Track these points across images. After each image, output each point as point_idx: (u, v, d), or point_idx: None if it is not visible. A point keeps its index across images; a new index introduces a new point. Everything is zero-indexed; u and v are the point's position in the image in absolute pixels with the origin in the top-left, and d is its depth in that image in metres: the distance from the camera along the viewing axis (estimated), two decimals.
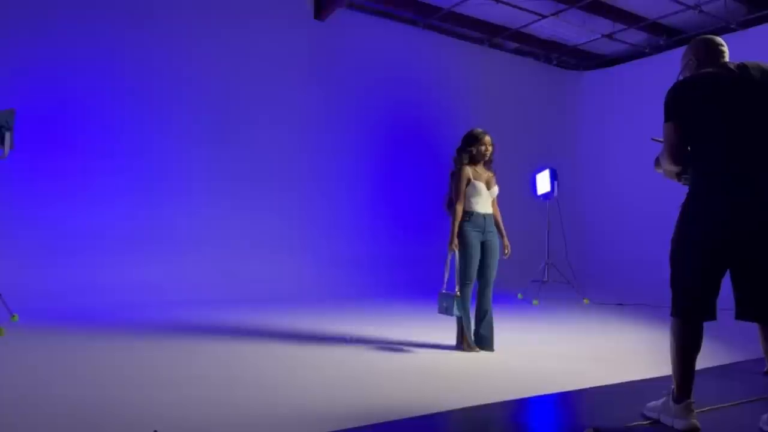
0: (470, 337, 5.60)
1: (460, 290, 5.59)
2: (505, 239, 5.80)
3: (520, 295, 9.84)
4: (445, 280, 5.74)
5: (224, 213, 9.77)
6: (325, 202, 10.74)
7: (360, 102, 11.22)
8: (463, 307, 5.59)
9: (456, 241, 5.60)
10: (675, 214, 3.43)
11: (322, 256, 10.45)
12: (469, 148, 5.73)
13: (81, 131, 8.83)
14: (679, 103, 3.39)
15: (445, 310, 5.62)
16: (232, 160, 9.91)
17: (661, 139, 3.52)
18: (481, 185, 5.67)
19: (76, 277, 8.37)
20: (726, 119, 3.30)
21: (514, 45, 13.00)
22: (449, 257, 5.68)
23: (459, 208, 5.62)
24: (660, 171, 3.61)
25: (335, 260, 10.50)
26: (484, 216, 5.65)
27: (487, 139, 5.76)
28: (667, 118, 3.41)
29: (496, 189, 5.80)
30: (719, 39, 3.58)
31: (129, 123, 9.18)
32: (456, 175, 5.72)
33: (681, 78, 3.59)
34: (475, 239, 5.58)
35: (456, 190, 5.67)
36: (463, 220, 5.60)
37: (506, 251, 5.77)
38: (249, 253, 9.79)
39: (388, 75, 11.56)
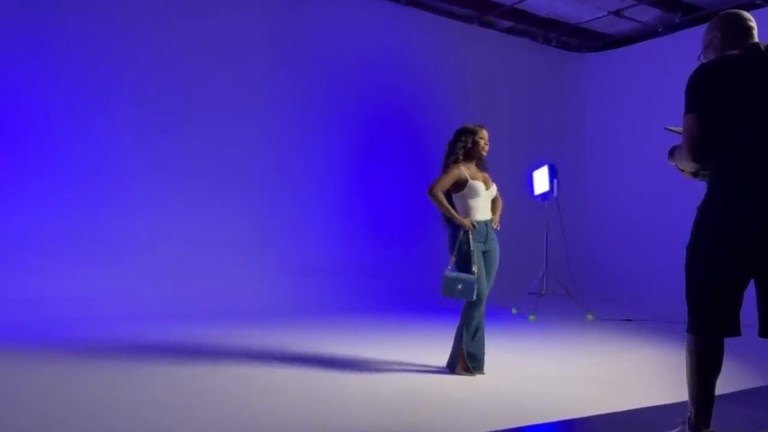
0: (468, 361, 5.59)
1: (466, 312, 5.57)
2: (497, 217, 5.82)
3: (514, 310, 9.86)
4: (453, 261, 5.66)
5: (177, 215, 9.72)
6: (295, 203, 10.71)
7: (334, 89, 11.19)
8: (473, 331, 5.58)
9: (460, 218, 5.59)
10: (692, 217, 3.44)
11: (291, 264, 10.42)
12: (463, 141, 5.72)
13: (2, 124, 8.76)
14: (704, 91, 3.36)
15: (460, 293, 5.42)
16: (187, 154, 9.85)
17: (678, 129, 3.52)
18: (480, 185, 5.67)
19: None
20: (755, 109, 3.29)
21: (507, 23, 13.02)
22: (458, 238, 5.61)
23: (438, 192, 5.63)
24: (674, 164, 3.61)
25: (306, 269, 10.47)
26: (486, 223, 5.68)
27: (485, 133, 5.78)
28: (688, 108, 3.39)
29: (494, 188, 5.81)
30: (747, 14, 3.55)
31: (64, 114, 9.09)
32: (446, 169, 5.69)
33: (703, 61, 3.58)
34: (479, 253, 5.58)
35: (437, 181, 5.66)
36: (464, 232, 5.58)
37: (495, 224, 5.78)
38: (205, 260, 9.74)
39: (366, 59, 11.54)
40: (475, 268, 5.48)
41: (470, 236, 5.55)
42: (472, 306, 5.55)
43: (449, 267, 5.61)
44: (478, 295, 5.48)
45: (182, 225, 9.72)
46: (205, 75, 10.09)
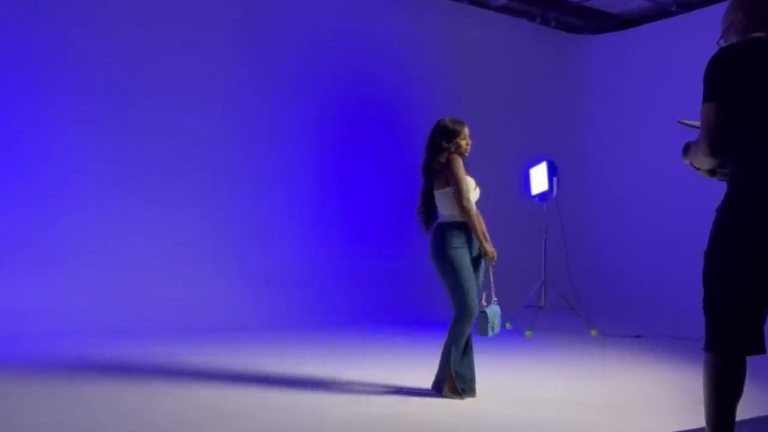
0: (457, 382, 5.57)
1: (456, 328, 5.55)
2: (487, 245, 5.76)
3: (508, 325, 9.85)
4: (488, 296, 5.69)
5: (127, 218, 9.67)
6: (262, 203, 10.69)
7: (306, 76, 11.16)
8: (456, 347, 5.56)
9: (487, 247, 5.57)
10: (710, 220, 3.43)
11: (258, 272, 10.40)
12: (446, 146, 5.64)
13: None
14: (724, 78, 3.35)
15: (494, 327, 5.62)
16: (139, 149, 9.79)
17: (694, 123, 3.51)
18: (472, 182, 5.67)
19: None
20: None
21: (501, 2, 13.06)
22: (490, 271, 5.65)
23: (471, 201, 5.56)
24: (689, 162, 3.60)
25: (275, 278, 10.45)
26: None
27: (467, 131, 5.75)
28: (707, 97, 3.37)
29: (478, 192, 5.79)
30: None
31: None
32: (452, 164, 5.60)
33: (724, 44, 3.58)
34: (466, 258, 5.55)
35: (457, 180, 5.54)
36: (450, 236, 5.54)
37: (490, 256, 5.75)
38: (160, 269, 9.69)
39: (342, 42, 11.51)
40: (466, 278, 5.48)
41: (458, 242, 5.54)
42: (461, 320, 5.52)
43: (485, 303, 5.60)
44: (468, 309, 5.47)
45: (133, 228, 9.66)
46: (161, 60, 10.04)
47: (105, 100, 9.63)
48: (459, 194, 5.52)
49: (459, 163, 5.58)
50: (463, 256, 5.52)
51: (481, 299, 5.62)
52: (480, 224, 5.66)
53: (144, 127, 9.85)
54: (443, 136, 5.68)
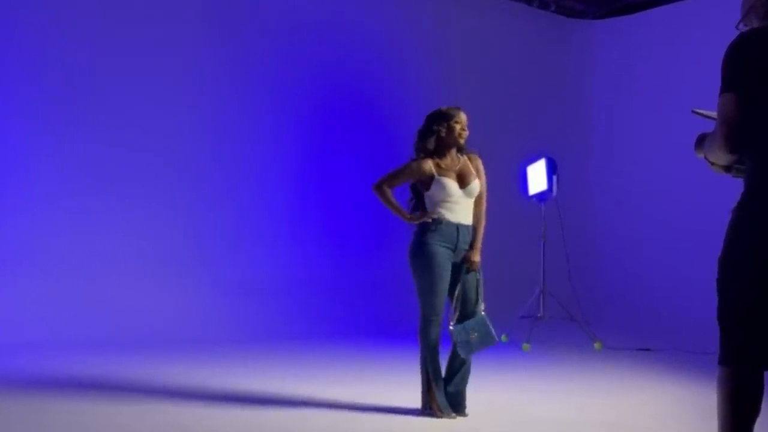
0: (441, 397, 5.56)
1: (420, 333, 5.57)
2: (476, 251, 5.72)
3: (504, 337, 9.84)
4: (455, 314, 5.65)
5: (87, 221, 9.66)
6: (235, 205, 10.71)
7: (284, 66, 11.19)
8: (431, 357, 5.55)
9: (404, 213, 5.71)
10: (725, 222, 3.41)
11: (230, 281, 10.42)
12: (436, 128, 5.68)
13: None
14: (744, 67, 3.32)
15: (480, 342, 5.49)
16: (100, 146, 9.80)
17: (711, 114, 3.49)
18: (451, 183, 5.61)
19: None
20: None
21: None
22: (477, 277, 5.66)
23: (386, 188, 5.79)
24: (702, 156, 3.58)
25: (248, 287, 10.47)
26: (458, 227, 5.61)
27: (463, 116, 5.74)
28: (725, 87, 3.34)
29: (477, 184, 5.73)
30: None
31: None
32: (403, 165, 5.75)
33: (743, 29, 3.56)
34: (442, 256, 5.54)
35: (389, 174, 5.81)
36: (427, 230, 5.57)
37: (469, 263, 5.69)
38: (123, 276, 9.71)
39: (324, 28, 11.53)
40: (434, 278, 5.48)
41: (431, 238, 5.53)
42: (427, 323, 5.57)
43: (452, 322, 5.57)
44: (429, 309, 5.53)
45: (92, 233, 9.66)
46: (123, 49, 10.02)
47: (57, 91, 9.61)
48: (381, 178, 5.83)
49: (408, 168, 5.73)
50: (437, 254, 5.52)
51: (448, 315, 5.61)
52: (479, 222, 5.76)
53: (105, 123, 9.85)
54: (434, 120, 5.72)
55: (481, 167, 5.81)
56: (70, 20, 9.68)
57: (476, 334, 5.49)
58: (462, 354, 5.50)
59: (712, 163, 3.54)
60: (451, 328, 5.52)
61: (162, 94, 10.21)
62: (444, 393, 5.59)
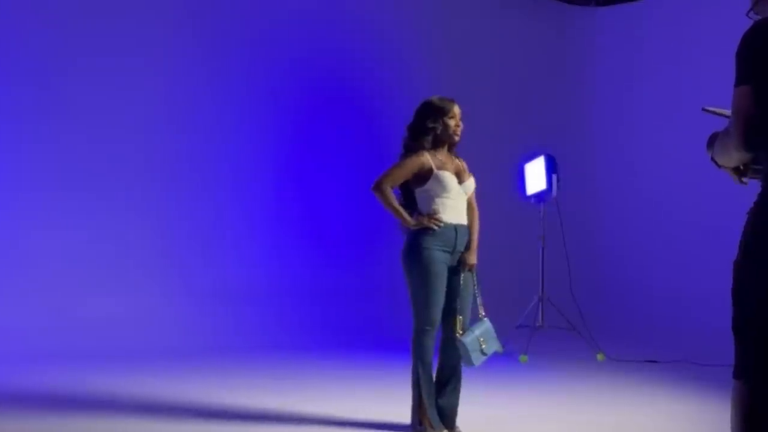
0: (433, 413, 5.56)
1: (413, 342, 5.55)
2: (473, 252, 5.75)
3: (499, 348, 9.86)
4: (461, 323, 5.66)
5: (45, 221, 9.66)
6: (209, 205, 10.70)
7: (261, 54, 11.18)
8: (424, 370, 5.54)
9: (410, 218, 5.62)
10: (740, 225, 3.42)
11: (203, 287, 10.43)
12: (431, 125, 5.67)
13: None
14: (761, 57, 3.29)
15: (488, 348, 5.59)
16: (59, 140, 9.79)
17: (723, 111, 3.50)
18: (450, 177, 5.62)
19: None
20: None
21: None
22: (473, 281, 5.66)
23: (387, 187, 5.64)
24: (714, 156, 3.58)
25: (223, 293, 10.48)
26: (456, 228, 5.61)
27: (457, 109, 5.73)
28: (740, 80, 3.31)
29: (471, 182, 5.76)
30: None
31: None
32: (403, 161, 5.68)
33: (755, 17, 3.56)
34: (440, 262, 5.54)
35: (388, 172, 5.69)
36: (423, 234, 5.54)
37: (466, 265, 5.70)
38: (87, 282, 9.70)
39: (306, 15, 11.52)
40: (431, 285, 5.47)
41: (430, 242, 5.51)
42: (422, 333, 5.53)
43: (459, 332, 5.56)
44: (425, 318, 5.50)
45: (53, 232, 9.65)
46: (93, 40, 10.04)
47: (21, 82, 9.60)
48: (380, 177, 5.71)
49: (410, 162, 5.64)
50: (435, 258, 5.51)
51: (454, 325, 5.59)
52: (473, 220, 5.79)
53: (71, 115, 9.85)
54: (428, 115, 5.68)
55: (466, 170, 5.82)
56: (36, 8, 9.66)
57: (483, 339, 5.52)
58: (471, 364, 5.50)
59: (721, 166, 3.52)
60: (462, 339, 5.49)
61: (133, 86, 10.19)
62: (435, 407, 5.60)
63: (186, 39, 10.68)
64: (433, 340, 5.56)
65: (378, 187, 5.64)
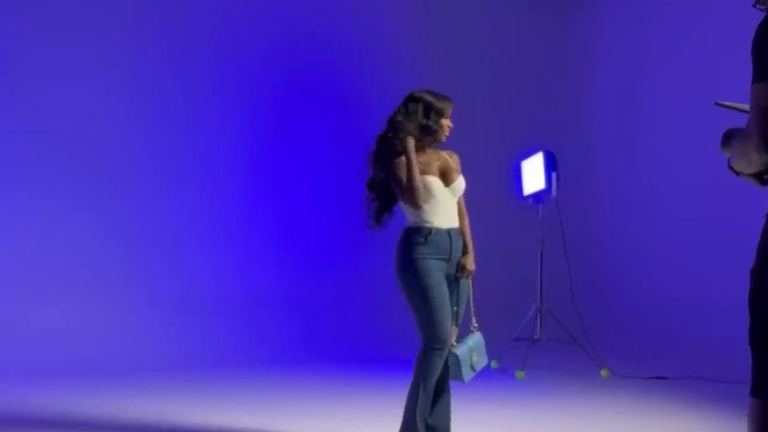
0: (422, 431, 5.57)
1: (422, 363, 5.50)
2: (470, 257, 5.76)
3: (494, 363, 9.86)
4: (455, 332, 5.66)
5: None
6: (173, 208, 10.70)
7: (234, 44, 11.16)
8: (426, 392, 5.51)
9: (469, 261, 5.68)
10: (756, 230, 3.43)
11: (168, 296, 10.43)
12: (428, 123, 5.62)
13: None
14: None
15: (478, 363, 5.61)
16: (5, 135, 9.77)
17: (739, 105, 3.51)
18: (435, 182, 5.60)
19: None
20: None
21: None
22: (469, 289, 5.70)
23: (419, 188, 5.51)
24: (729, 155, 3.58)
25: (190, 303, 10.47)
26: (450, 233, 5.61)
27: (451, 110, 5.70)
28: (760, 75, 3.29)
29: (461, 182, 5.74)
30: None
31: None
32: (398, 165, 5.59)
33: (763, 7, 3.58)
34: (436, 273, 5.53)
35: (398, 180, 5.54)
36: (414, 243, 5.53)
37: (465, 272, 5.72)
38: (38, 290, 9.69)
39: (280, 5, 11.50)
40: (434, 297, 5.46)
41: (424, 253, 5.52)
42: (428, 351, 5.48)
43: (454, 342, 5.57)
44: (437, 335, 5.44)
45: (1, 239, 9.60)
46: (43, 27, 10.05)
47: None
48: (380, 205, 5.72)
49: (407, 162, 5.56)
50: (431, 269, 5.49)
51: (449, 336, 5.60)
52: (464, 223, 5.80)
53: (19, 108, 9.81)
54: (426, 113, 5.63)
55: (459, 165, 5.81)
56: None
57: (475, 353, 5.53)
58: (461, 379, 5.50)
59: (739, 173, 3.51)
60: (456, 351, 5.49)
61: (93, 80, 10.19)
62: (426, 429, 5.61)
63: (147, 23, 10.66)
64: (442, 360, 5.49)
65: (410, 199, 5.51)
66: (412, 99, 5.69)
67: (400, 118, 5.65)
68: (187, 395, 7.80)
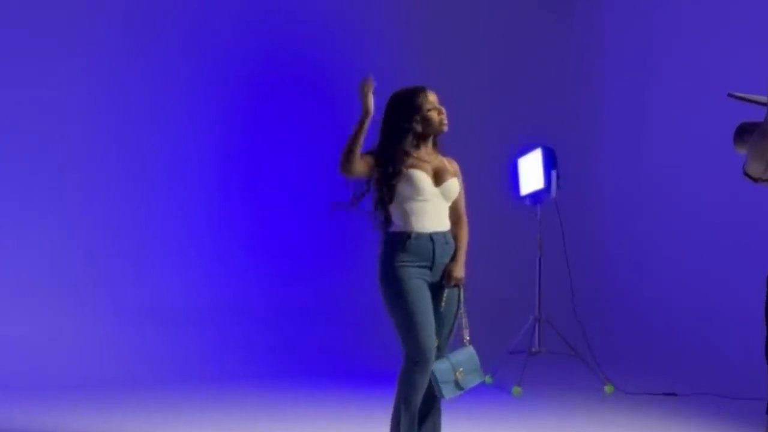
0: None
1: (403, 378, 5.47)
2: (459, 263, 5.71)
3: (488, 379, 9.87)
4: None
5: None
6: (139, 212, 10.69)
7: (207, 34, 11.17)
8: (408, 409, 5.46)
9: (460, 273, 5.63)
10: None
11: (136, 306, 10.42)
12: (408, 126, 5.60)
13: None
14: None
15: (467, 380, 5.54)
16: None
17: (754, 97, 3.51)
18: (422, 176, 5.57)
19: None
20: None
21: None
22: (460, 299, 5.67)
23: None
24: (744, 152, 3.58)
25: (159, 313, 10.46)
26: (432, 237, 5.56)
27: (431, 97, 5.69)
28: None
29: (453, 184, 5.70)
30: None
31: None
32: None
33: None
34: (415, 280, 5.49)
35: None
36: (393, 250, 5.51)
37: (452, 279, 5.66)
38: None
39: None
40: (416, 306, 5.43)
41: (404, 261, 5.49)
42: (409, 366, 5.44)
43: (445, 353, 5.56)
44: (419, 349, 5.39)
45: None
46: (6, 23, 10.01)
47: None
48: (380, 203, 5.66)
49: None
50: (410, 276, 5.46)
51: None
52: (460, 233, 5.77)
53: None
54: (402, 116, 5.62)
55: (459, 171, 5.78)
56: None
57: (462, 369, 5.47)
58: (444, 395, 5.47)
59: (756, 179, 3.49)
60: (432, 367, 5.43)
61: (49, 71, 10.18)
62: None
63: (119, 20, 10.65)
64: (425, 376, 5.43)
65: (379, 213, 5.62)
66: (387, 107, 5.71)
67: (386, 133, 5.66)
68: (154, 410, 7.81)
